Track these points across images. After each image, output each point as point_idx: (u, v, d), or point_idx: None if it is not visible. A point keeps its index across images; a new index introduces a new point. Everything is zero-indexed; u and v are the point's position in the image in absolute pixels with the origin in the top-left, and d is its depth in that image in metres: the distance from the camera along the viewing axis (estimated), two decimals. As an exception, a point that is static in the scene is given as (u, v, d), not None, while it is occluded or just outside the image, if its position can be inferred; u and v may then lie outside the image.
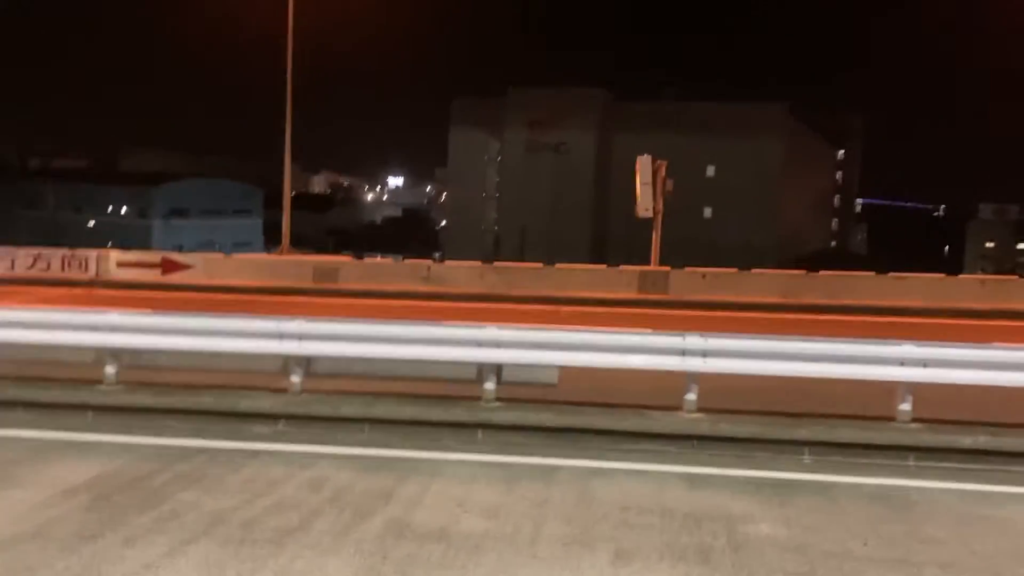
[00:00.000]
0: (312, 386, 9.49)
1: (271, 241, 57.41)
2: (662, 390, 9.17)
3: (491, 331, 9.28)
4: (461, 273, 22.04)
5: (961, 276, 23.37)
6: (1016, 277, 22.57)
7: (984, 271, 68.19)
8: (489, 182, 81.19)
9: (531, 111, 73.81)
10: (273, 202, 45.74)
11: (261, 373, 9.73)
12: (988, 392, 8.91)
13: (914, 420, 8.70)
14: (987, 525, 6.55)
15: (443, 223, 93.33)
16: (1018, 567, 5.77)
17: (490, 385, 9.22)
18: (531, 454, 8.10)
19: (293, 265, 22.71)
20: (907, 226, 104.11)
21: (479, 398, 9.22)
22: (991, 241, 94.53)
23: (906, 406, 8.75)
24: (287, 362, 9.53)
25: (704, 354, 8.98)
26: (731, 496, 7.07)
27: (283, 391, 9.42)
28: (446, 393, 9.37)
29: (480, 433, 8.71)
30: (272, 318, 9.77)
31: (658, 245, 22.70)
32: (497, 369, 9.30)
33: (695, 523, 6.43)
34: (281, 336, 9.44)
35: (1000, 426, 8.66)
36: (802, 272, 22.25)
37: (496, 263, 23.37)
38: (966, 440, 8.38)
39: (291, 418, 9.02)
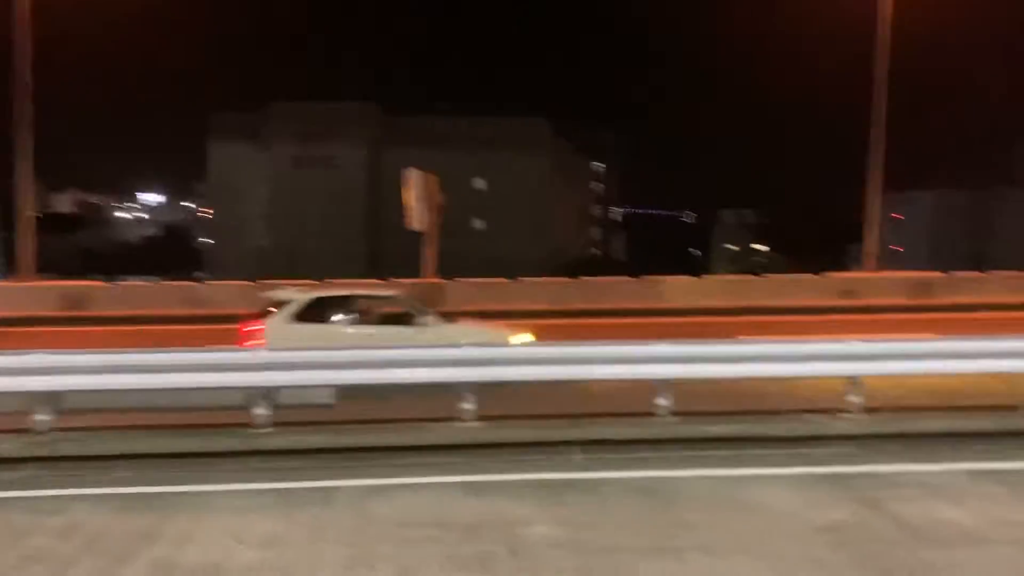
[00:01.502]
0: (62, 424, 8.69)
1: (8, 267, 52.04)
2: (447, 402, 9.26)
3: (263, 354, 8.94)
4: (227, 293, 21.07)
5: (708, 277, 25.38)
6: (753, 276, 24.88)
7: (727, 271, 74.68)
8: (256, 198, 78.34)
9: (299, 125, 72.21)
10: (8, 224, 41.41)
11: (2, 414, 8.80)
12: (736, 383, 9.76)
13: (672, 414, 9.33)
14: (739, 507, 7.11)
15: (207, 242, 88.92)
16: (766, 543, 6.30)
17: (261, 410, 8.86)
18: (308, 478, 7.86)
19: (34, 292, 20.73)
20: (662, 233, 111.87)
21: (250, 425, 8.84)
22: (733, 244, 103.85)
23: (664, 401, 9.36)
24: (30, 400, 8.67)
25: (485, 363, 9.15)
26: (509, 501, 7.22)
27: (27, 431, 8.55)
28: (215, 421, 8.91)
29: (254, 461, 8.35)
30: (10, 353, 8.86)
31: (432, 258, 22.89)
32: (270, 393, 8.96)
33: (475, 532, 6.51)
34: (24, 371, 8.58)
35: (748, 414, 9.51)
36: (568, 279, 23.28)
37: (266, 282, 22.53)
38: (718, 429, 9.11)
39: (37, 460, 8.20)
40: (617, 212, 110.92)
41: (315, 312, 11.65)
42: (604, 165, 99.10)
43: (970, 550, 6.11)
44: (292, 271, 32.51)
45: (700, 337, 11.27)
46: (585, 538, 6.39)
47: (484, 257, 59.51)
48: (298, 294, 12.15)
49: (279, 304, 11.87)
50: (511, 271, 26.09)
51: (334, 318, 11.80)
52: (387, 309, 12.20)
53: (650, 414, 9.36)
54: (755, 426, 9.25)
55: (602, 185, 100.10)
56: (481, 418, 9.12)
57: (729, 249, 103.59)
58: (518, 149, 72.93)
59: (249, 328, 11.43)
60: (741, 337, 12.36)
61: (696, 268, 66.69)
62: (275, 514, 6.91)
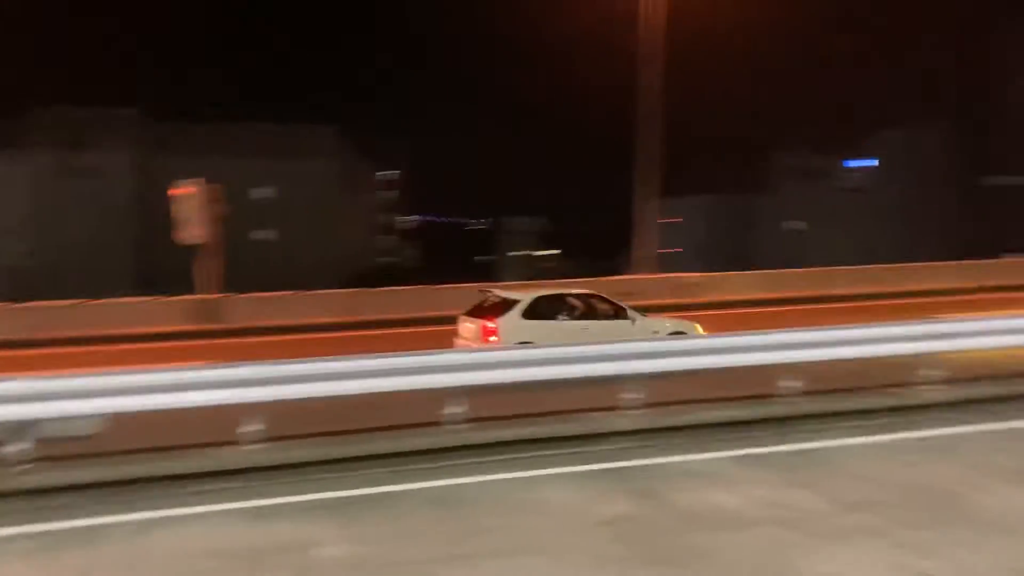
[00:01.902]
0: None
1: None
2: (222, 424, 8.82)
3: (13, 384, 8.14)
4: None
5: (491, 284, 25.91)
6: (540, 281, 25.68)
7: (517, 277, 76.68)
8: (12, 212, 71.42)
9: (60, 132, 66.61)
10: None
11: None
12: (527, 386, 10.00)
13: (466, 421, 9.42)
14: (529, 508, 7.29)
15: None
16: (553, 542, 6.49)
17: (14, 448, 8.07)
18: (74, 517, 7.23)
19: None
20: (455, 239, 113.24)
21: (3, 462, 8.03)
22: (521, 250, 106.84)
23: (457, 409, 9.43)
24: None
25: (262, 383, 8.80)
26: (298, 523, 7.00)
27: None
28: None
29: (6, 503, 7.58)
30: None
31: (215, 272, 21.83)
32: (23, 427, 8.17)
33: (260, 558, 6.25)
34: None
35: (538, 416, 9.78)
36: (360, 290, 22.99)
37: (19, 304, 20.56)
38: (510, 433, 9.30)
39: None
40: (410, 220, 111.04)
41: (539, 310, 12.96)
42: (397, 172, 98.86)
43: (738, 532, 6.59)
44: (55, 290, 29.90)
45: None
46: (377, 553, 6.31)
47: (272, 269, 57.62)
48: (520, 295, 13.40)
49: (494, 304, 13.28)
50: (302, 283, 25.42)
51: (557, 315, 13.11)
52: (595, 306, 13.50)
53: (444, 423, 9.40)
54: (544, 428, 9.52)
55: (395, 192, 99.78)
56: (267, 439, 8.79)
57: (519, 255, 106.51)
58: (306, 156, 71.18)
59: (488, 326, 12.67)
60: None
61: (488, 274, 68.07)
62: (38, 559, 6.31)
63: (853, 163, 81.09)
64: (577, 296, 13.67)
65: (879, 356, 10.87)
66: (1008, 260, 26.84)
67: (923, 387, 10.74)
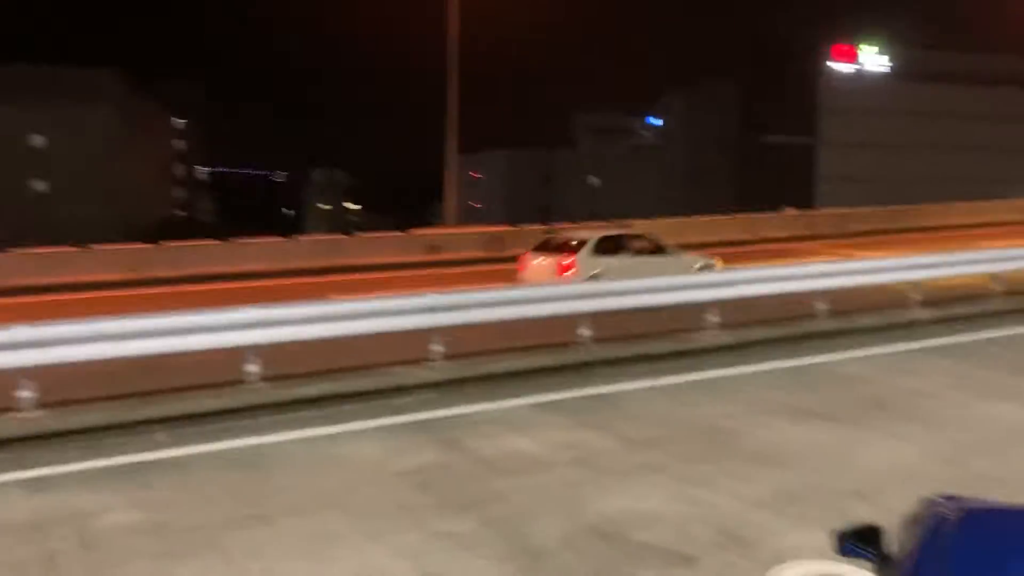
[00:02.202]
0: None
1: None
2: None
3: None
4: None
5: (299, 237, 25.22)
6: (345, 235, 25.25)
7: (320, 231, 74.95)
8: None
9: None
10: None
11: None
12: (328, 343, 9.80)
13: (263, 379, 9.13)
14: (330, 464, 7.21)
15: None
16: (355, 496, 6.47)
17: None
18: None
19: None
20: (252, 192, 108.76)
21: None
22: (325, 203, 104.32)
23: (253, 367, 9.13)
24: None
25: (36, 345, 8.13)
26: (81, 493, 6.57)
27: None
28: None
29: None
30: None
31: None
32: None
33: (39, 531, 5.83)
34: None
35: (340, 371, 9.63)
36: (148, 245, 21.64)
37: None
38: (311, 390, 9.12)
39: None
40: (204, 171, 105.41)
41: (603, 247, 14.79)
42: (187, 121, 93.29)
43: (536, 475, 6.83)
44: None
45: (290, 299, 11.16)
46: (168, 519, 6.04)
47: (47, 222, 53.13)
48: (587, 232, 15.52)
49: (563, 243, 15.27)
50: (81, 237, 23.61)
51: (617, 252, 14.89)
52: (643, 244, 15.41)
53: (238, 382, 9.08)
54: (346, 383, 9.41)
55: (185, 142, 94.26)
56: (41, 406, 8.15)
57: (321, 208, 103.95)
58: (84, 103, 65.64)
59: (564, 262, 14.39)
60: (330, 296, 12.47)
61: (288, 228, 65.98)
62: None
63: (652, 120, 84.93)
64: (629, 236, 15.89)
65: (670, 304, 11.52)
66: (786, 214, 29.05)
67: (707, 332, 11.51)
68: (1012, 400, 8.86)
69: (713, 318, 11.56)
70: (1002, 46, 59.58)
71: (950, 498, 3.92)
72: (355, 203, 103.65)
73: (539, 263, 15.01)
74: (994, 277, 14.29)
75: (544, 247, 15.61)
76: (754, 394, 9.19)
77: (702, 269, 14.76)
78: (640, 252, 15.14)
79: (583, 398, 9.16)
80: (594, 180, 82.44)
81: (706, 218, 27.00)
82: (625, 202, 62.46)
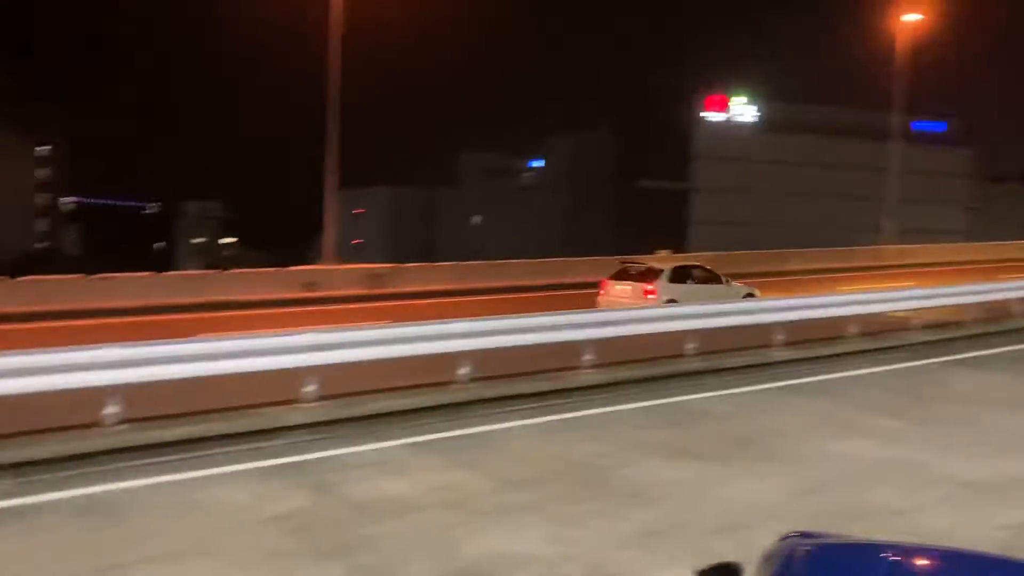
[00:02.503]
0: None
1: None
2: None
3: None
4: None
5: (167, 273, 24.26)
6: (218, 270, 24.45)
7: (194, 265, 72.44)
8: None
9: None
10: None
11: None
12: (193, 383, 9.41)
13: (122, 422, 8.69)
14: (196, 510, 6.90)
15: None
16: (221, 542, 6.21)
17: None
18: None
19: None
20: (121, 224, 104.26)
21: None
22: (199, 237, 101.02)
23: (113, 409, 8.67)
24: None
25: None
26: (-89, 548, 6.05)
27: None
28: None
29: None
30: None
31: None
32: None
33: None
34: None
35: (208, 413, 9.25)
36: (3, 278, 20.37)
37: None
38: (175, 432, 8.72)
39: None
40: (69, 202, 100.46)
41: (676, 276, 17.39)
42: (51, 148, 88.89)
43: (408, 518, 6.72)
44: None
45: (158, 337, 10.68)
46: (10, 573, 5.63)
47: None
48: (661, 265, 18.18)
49: (642, 271, 17.72)
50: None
51: (686, 280, 17.51)
52: (703, 274, 18.09)
53: (97, 424, 8.60)
54: (214, 425, 9.05)
55: (49, 171, 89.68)
56: None
57: (195, 242, 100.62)
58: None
59: (648, 287, 16.99)
60: (201, 335, 12.03)
61: (158, 262, 63.50)
62: None
63: (535, 162, 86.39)
64: (693, 266, 18.54)
65: (545, 343, 11.64)
66: (660, 256, 29.97)
67: (583, 370, 11.68)
68: (866, 437, 9.34)
69: (588, 357, 11.75)
70: (854, 100, 63.87)
71: (804, 534, 4.07)
72: (230, 237, 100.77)
73: (622, 288, 17.51)
74: (852, 319, 15.12)
75: (623, 275, 17.97)
76: (627, 432, 9.36)
77: (747, 296, 17.48)
78: (701, 281, 17.81)
79: (459, 438, 9.12)
80: (477, 219, 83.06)
81: (582, 260, 27.51)
82: (508, 242, 63.13)
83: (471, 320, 11.16)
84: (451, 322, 11.02)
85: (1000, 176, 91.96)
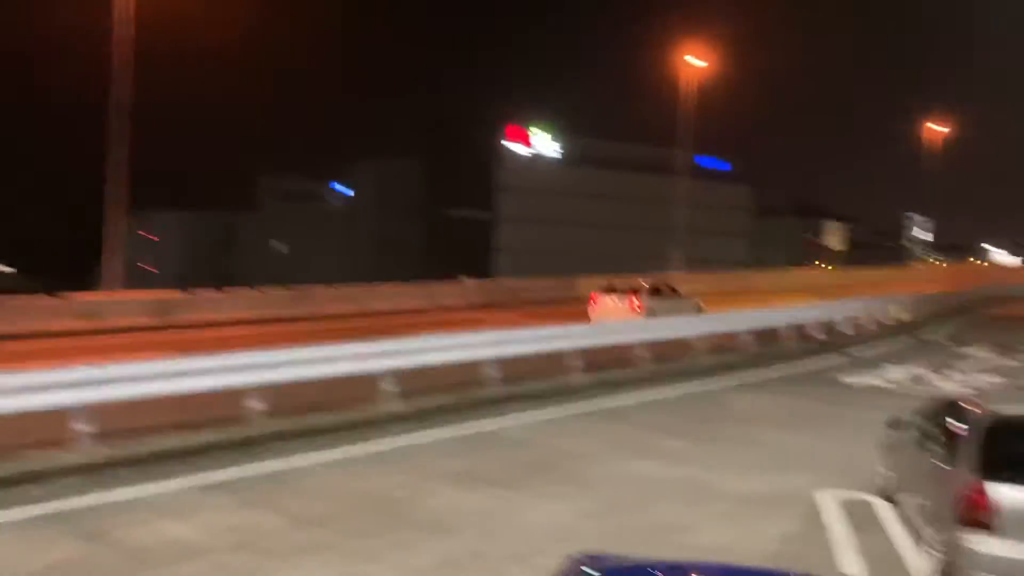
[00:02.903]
0: None
1: None
2: None
3: None
4: None
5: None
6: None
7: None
8: None
9: None
10: None
11: None
12: None
13: None
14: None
15: None
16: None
17: None
18: None
19: None
20: None
21: None
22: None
23: None
24: None
25: None
26: None
27: None
28: None
29: None
30: None
31: None
32: None
33: None
34: None
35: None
36: None
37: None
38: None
39: None
40: None
41: (652, 292, 21.72)
42: None
43: (192, 564, 6.30)
44: None
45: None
46: None
47: None
48: (639, 283, 22.32)
49: (627, 288, 21.89)
50: None
51: (659, 295, 21.88)
52: (667, 289, 22.62)
53: None
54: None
55: None
56: None
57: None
58: None
59: (636, 302, 21.04)
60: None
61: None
62: None
63: (339, 187, 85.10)
64: (662, 284, 23.00)
65: (345, 374, 11.35)
66: (465, 284, 30.25)
67: (383, 401, 11.49)
68: (655, 458, 9.78)
69: (388, 387, 11.59)
70: (647, 136, 67.88)
71: (591, 556, 4.16)
72: (5, 266, 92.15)
73: (613, 302, 21.46)
74: (645, 345, 15.87)
75: (611, 290, 22.10)
76: (427, 463, 9.30)
77: (699, 309, 21.71)
78: (668, 295, 22.12)
79: (250, 477, 8.70)
80: (280, 245, 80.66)
81: (389, 286, 27.31)
82: (312, 268, 61.71)
83: (263, 351, 10.72)
84: (240, 354, 10.53)
85: (773, 210, 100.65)
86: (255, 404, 10.21)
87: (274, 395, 10.49)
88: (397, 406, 11.39)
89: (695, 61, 41.02)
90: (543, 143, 69.26)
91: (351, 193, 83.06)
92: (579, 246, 63.22)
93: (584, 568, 3.76)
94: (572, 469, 9.23)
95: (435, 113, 75.12)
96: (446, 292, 27.93)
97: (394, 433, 10.57)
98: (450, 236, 65.85)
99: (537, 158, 67.75)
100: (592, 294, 22.35)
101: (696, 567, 4.07)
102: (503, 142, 66.96)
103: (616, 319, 19.71)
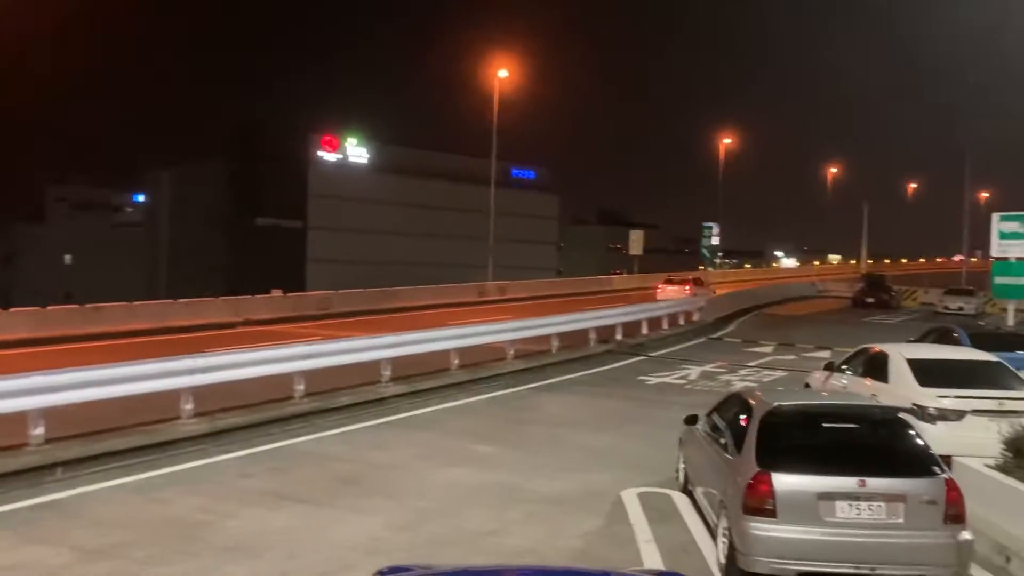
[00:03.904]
0: None
1: None
2: None
3: None
4: None
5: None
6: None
7: None
8: None
9: None
10: None
11: None
12: None
13: None
14: None
15: None
16: None
17: None
18: None
19: None
20: None
21: None
22: None
23: None
24: None
25: None
26: None
27: None
28: None
29: None
30: None
31: None
32: None
33: None
34: None
35: None
36: None
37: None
38: None
39: None
40: None
41: (695, 283, 37.79)
42: None
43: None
44: None
45: None
46: None
47: None
48: (686, 275, 43.25)
49: (681, 279, 38.88)
50: None
51: (698, 285, 37.48)
52: (701, 281, 39.22)
53: None
54: None
55: None
56: None
57: None
58: None
59: (687, 288, 35.63)
60: None
61: None
62: None
63: (137, 197, 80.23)
64: (699, 276, 38.43)
65: (138, 393, 10.69)
66: (273, 295, 29.24)
67: (182, 421, 10.91)
68: (465, 465, 9.85)
69: (187, 406, 11.02)
70: (463, 147, 68.53)
71: (395, 569, 4.12)
72: None
73: (673, 288, 35.55)
74: (456, 352, 15.97)
75: (670, 282, 37.19)
76: (229, 483, 8.91)
77: (712, 293, 33.54)
78: (701, 285, 35.07)
79: (32, 508, 8.01)
80: (68, 259, 74.88)
81: (191, 301, 25.99)
82: (108, 283, 57.75)
83: (44, 373, 9.88)
84: (17, 377, 9.65)
85: (581, 218, 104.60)
86: (38, 430, 9.42)
87: (59, 418, 9.72)
88: (197, 426, 10.84)
89: (503, 73, 41.95)
90: (357, 151, 68.37)
91: (151, 202, 78.49)
92: (394, 255, 62.86)
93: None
94: (384, 480, 9.14)
95: (244, 120, 72.35)
96: (255, 305, 26.89)
97: (194, 454, 10.07)
98: (259, 246, 63.57)
99: (350, 166, 66.73)
100: (658, 284, 37.68)
101: (499, 571, 4.13)
102: (317, 151, 65.43)
103: (676, 298, 31.00)
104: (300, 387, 12.54)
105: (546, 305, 32.15)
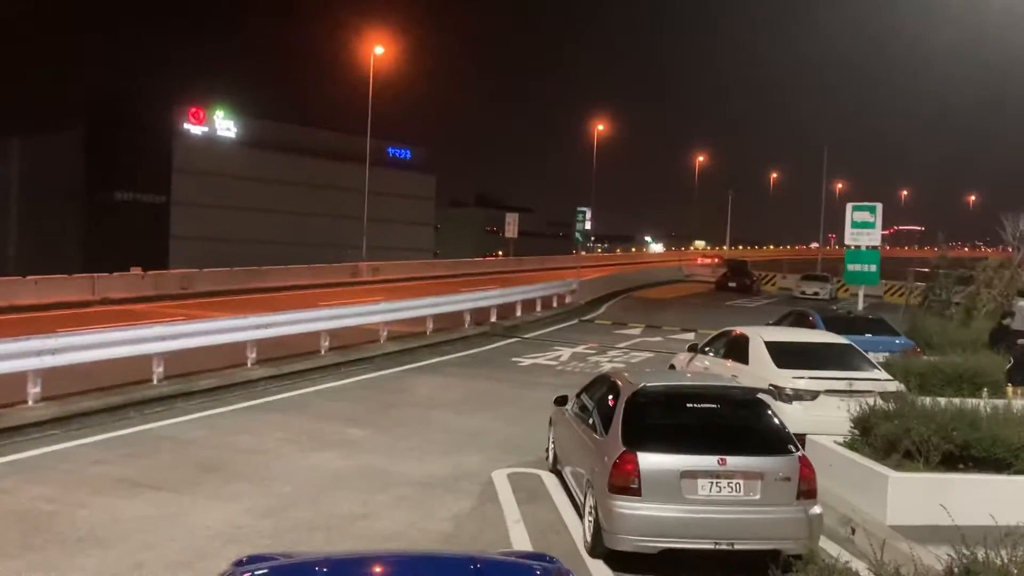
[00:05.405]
0: None
1: None
2: None
3: None
4: None
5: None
6: None
7: None
8: None
9: None
10: None
11: None
12: None
13: None
14: None
15: None
16: None
17: None
18: None
19: None
20: None
21: None
22: None
23: None
24: None
25: None
26: None
27: None
28: None
29: None
30: None
31: None
32: None
33: None
34: None
35: None
36: None
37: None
38: None
39: None
40: None
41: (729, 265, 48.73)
42: None
43: None
44: None
45: None
46: None
47: None
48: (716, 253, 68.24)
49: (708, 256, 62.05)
50: None
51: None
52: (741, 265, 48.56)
53: None
54: None
55: None
56: None
57: None
58: None
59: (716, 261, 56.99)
60: None
61: None
62: None
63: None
64: (728, 257, 53.74)
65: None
66: (133, 273, 27.85)
67: (28, 406, 10.24)
68: (334, 448, 9.64)
69: (34, 389, 10.34)
70: (338, 124, 67.00)
71: (254, 558, 3.95)
72: None
73: (703, 265, 53.22)
74: (327, 333, 15.63)
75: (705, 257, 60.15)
76: (80, 471, 8.42)
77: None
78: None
79: None
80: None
81: (40, 278, 24.38)
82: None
83: None
84: None
85: (458, 201, 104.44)
86: None
87: None
88: (46, 410, 10.20)
89: (380, 50, 41.25)
90: (225, 125, 65.79)
91: (-3, 173, 73.26)
92: (263, 234, 61.00)
93: (246, 571, 3.57)
94: (246, 466, 8.83)
95: (104, 90, 68.20)
96: (113, 284, 25.53)
97: (41, 440, 9.47)
98: (118, 222, 60.44)
99: (218, 140, 64.15)
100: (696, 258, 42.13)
101: (362, 557, 4.03)
102: (183, 123, 62.51)
103: (704, 273, 39.38)
104: (159, 369, 11.99)
105: (422, 287, 31.94)
